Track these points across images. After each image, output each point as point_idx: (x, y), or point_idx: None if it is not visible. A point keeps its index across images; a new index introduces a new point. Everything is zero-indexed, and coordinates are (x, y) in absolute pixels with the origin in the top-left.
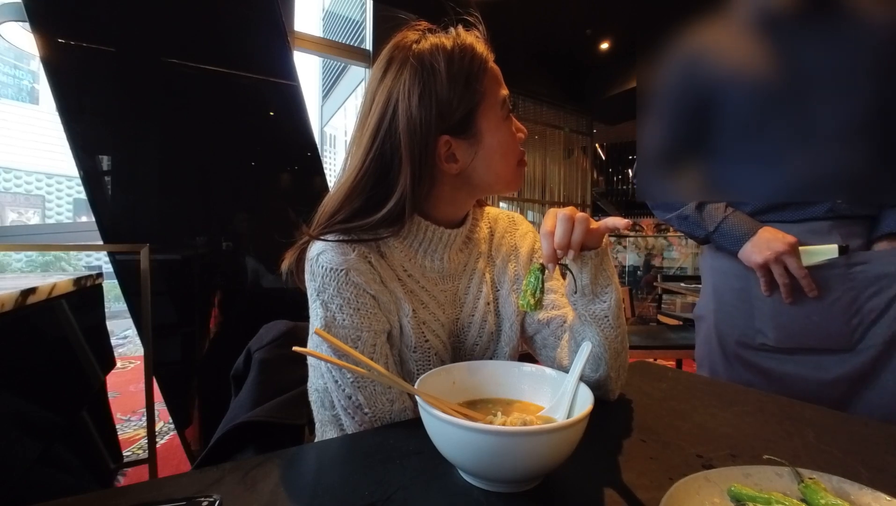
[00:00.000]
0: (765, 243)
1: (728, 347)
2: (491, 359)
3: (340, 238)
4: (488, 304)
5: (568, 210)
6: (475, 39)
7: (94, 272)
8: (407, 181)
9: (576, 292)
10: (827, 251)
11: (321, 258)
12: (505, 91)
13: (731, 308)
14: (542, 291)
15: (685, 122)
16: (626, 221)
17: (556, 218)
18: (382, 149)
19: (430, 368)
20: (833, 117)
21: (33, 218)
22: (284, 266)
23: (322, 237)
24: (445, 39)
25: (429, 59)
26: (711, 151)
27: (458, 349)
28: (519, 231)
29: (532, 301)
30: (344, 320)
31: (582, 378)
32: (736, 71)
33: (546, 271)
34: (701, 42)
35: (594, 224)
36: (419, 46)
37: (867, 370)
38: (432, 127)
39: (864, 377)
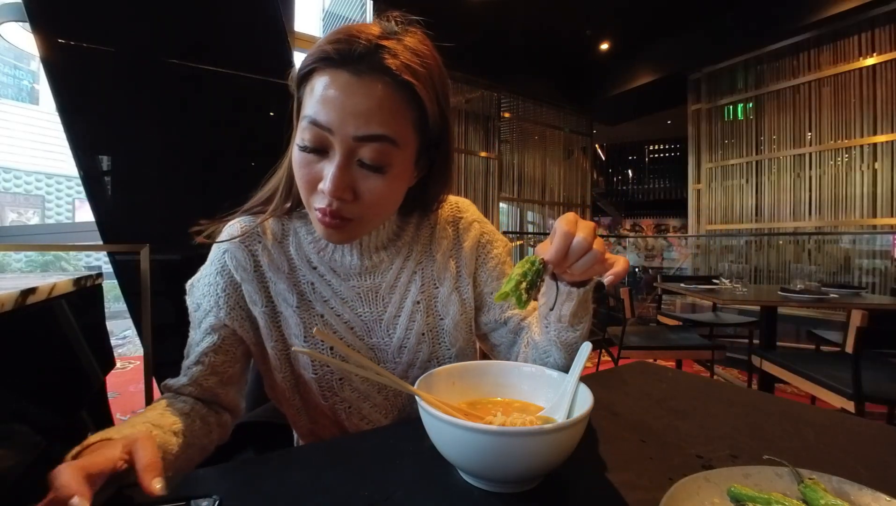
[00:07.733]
0: None
1: None
2: (431, 361)
3: (245, 219)
4: (417, 302)
5: (591, 227)
6: (349, 34)
7: (94, 272)
8: (282, 171)
9: (552, 309)
10: None
11: (225, 230)
12: (318, 114)
13: None
14: (536, 289)
15: None
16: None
17: (577, 225)
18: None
19: (325, 363)
20: None
21: (33, 218)
22: (201, 231)
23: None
24: None
25: None
26: None
27: (384, 350)
28: (463, 220)
29: (524, 297)
30: (200, 289)
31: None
32: None
33: (546, 270)
34: None
35: (604, 256)
36: None
37: None
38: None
39: None
